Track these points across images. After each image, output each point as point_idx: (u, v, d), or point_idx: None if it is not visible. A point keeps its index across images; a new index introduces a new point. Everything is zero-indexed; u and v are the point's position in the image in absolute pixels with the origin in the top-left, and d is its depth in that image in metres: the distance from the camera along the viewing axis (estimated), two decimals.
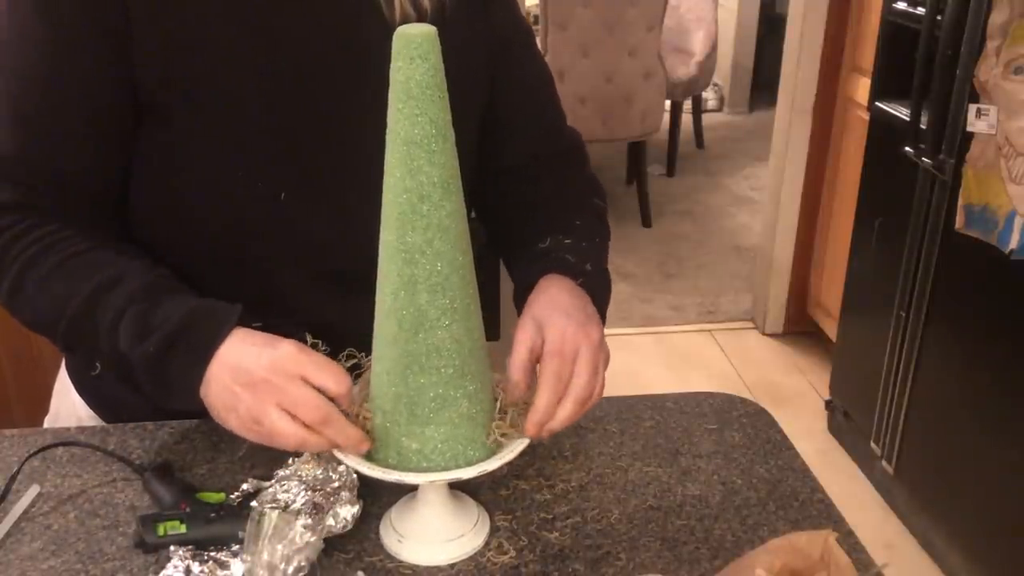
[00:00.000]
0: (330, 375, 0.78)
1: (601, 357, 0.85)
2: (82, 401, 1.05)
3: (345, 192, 0.94)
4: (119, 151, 0.91)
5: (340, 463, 0.85)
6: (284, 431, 0.78)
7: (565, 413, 0.81)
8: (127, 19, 0.84)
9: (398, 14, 0.91)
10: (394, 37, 0.72)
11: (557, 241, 0.98)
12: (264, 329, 0.84)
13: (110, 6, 0.83)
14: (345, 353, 0.85)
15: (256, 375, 0.78)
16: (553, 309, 0.87)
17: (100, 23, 0.84)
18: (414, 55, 0.72)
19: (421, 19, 0.92)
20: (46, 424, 1.11)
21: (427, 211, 0.74)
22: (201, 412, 0.83)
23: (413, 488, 0.86)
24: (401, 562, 0.82)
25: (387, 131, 0.74)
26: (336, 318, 0.90)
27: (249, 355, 0.80)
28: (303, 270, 0.96)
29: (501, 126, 1.05)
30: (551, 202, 1.04)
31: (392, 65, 0.73)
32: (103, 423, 1.04)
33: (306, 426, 0.78)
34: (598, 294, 0.95)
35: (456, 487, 0.87)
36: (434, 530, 0.84)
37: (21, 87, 0.86)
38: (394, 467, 0.79)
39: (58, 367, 1.10)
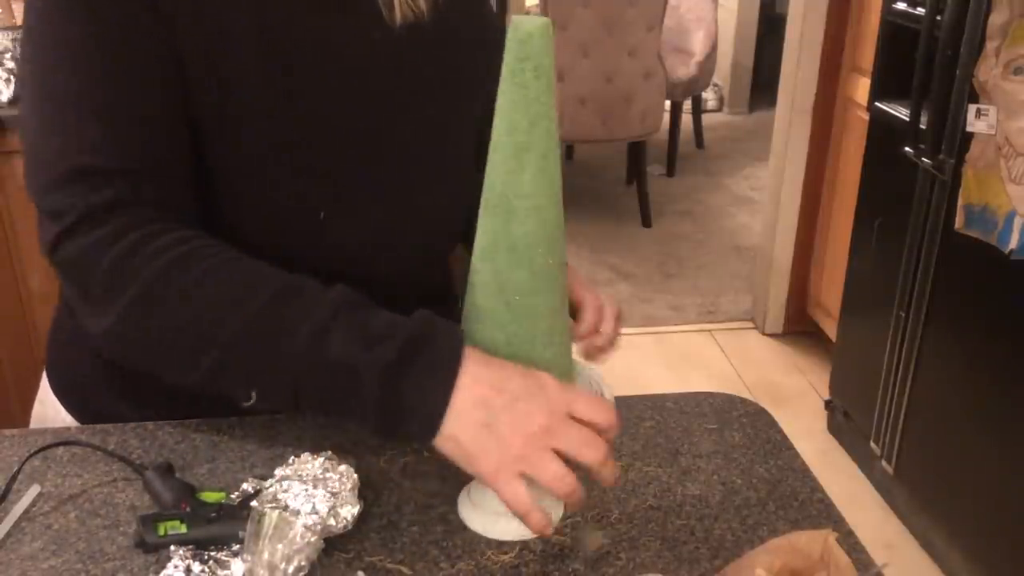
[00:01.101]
0: (599, 408, 0.73)
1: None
2: (68, 416, 1.04)
3: (381, 202, 0.94)
4: (186, 150, 0.85)
5: (341, 463, 0.85)
6: (559, 474, 0.70)
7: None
8: (175, 29, 0.81)
9: (399, 16, 0.91)
10: (526, 29, 0.73)
11: None
12: None
13: (159, 14, 0.80)
14: None
15: (535, 420, 0.71)
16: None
17: (154, 25, 0.80)
18: (551, 45, 0.75)
19: (418, 19, 0.92)
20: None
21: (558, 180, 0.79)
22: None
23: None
24: (400, 562, 0.82)
25: (535, 118, 0.75)
26: None
27: (514, 389, 0.72)
28: (343, 280, 0.94)
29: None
30: None
31: (525, 52, 0.74)
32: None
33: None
34: None
35: None
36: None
37: (86, 82, 0.79)
38: None
39: None
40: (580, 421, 0.72)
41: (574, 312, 0.99)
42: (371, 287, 0.90)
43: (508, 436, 0.71)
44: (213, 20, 0.83)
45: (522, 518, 0.72)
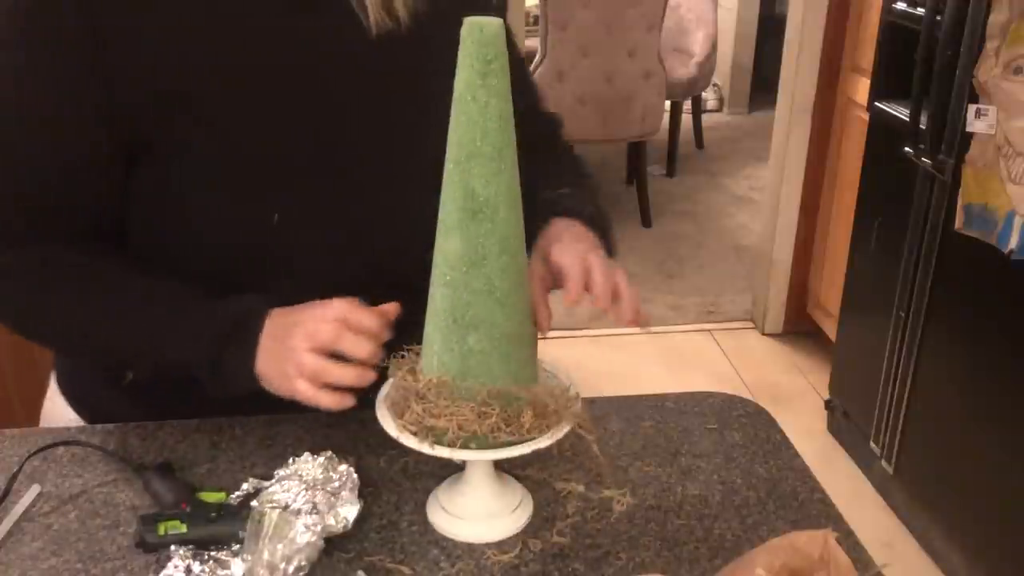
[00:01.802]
0: (363, 316, 0.84)
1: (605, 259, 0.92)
2: (75, 415, 1.05)
3: (338, 205, 0.93)
4: (107, 185, 0.90)
5: (341, 463, 0.86)
6: (309, 364, 0.82)
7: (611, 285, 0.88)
8: (103, 53, 0.83)
9: (374, 23, 0.90)
10: (491, 31, 0.75)
11: (556, 193, 1.02)
12: None
13: (81, 43, 0.83)
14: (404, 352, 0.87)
15: (296, 333, 0.83)
16: (555, 239, 0.93)
17: (71, 60, 0.84)
18: (502, 43, 0.76)
19: (396, 24, 0.92)
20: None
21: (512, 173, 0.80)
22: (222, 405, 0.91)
23: (459, 469, 0.89)
24: (400, 562, 0.82)
25: (486, 112, 0.76)
26: None
27: (287, 321, 0.85)
28: (297, 285, 0.93)
29: None
30: (540, 174, 1.04)
31: (493, 53, 0.75)
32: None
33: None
34: (604, 232, 0.99)
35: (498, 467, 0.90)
36: (489, 507, 0.86)
37: (2, 129, 0.87)
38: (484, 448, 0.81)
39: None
40: (357, 328, 0.84)
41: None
42: (337, 285, 0.90)
43: (281, 355, 0.84)
44: (167, 31, 0.85)
45: (316, 404, 0.83)
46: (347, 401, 0.84)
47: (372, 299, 0.86)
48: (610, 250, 0.97)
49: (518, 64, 1.10)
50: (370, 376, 0.84)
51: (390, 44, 0.92)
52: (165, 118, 0.86)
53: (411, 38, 0.93)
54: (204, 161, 0.88)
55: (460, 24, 0.98)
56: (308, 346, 0.83)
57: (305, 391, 0.83)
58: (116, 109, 0.85)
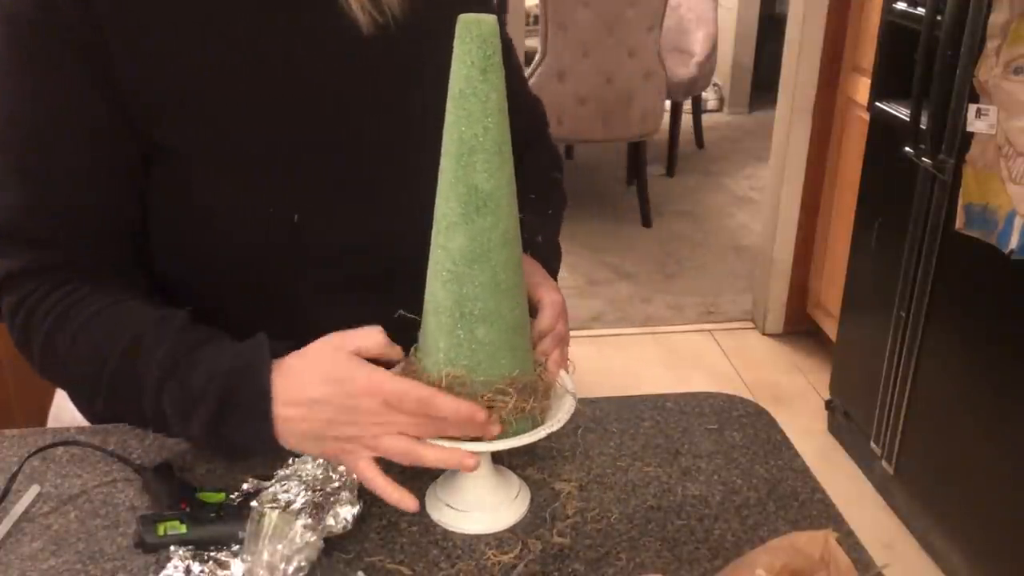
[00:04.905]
0: (373, 343, 0.80)
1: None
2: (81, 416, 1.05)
3: (356, 201, 0.94)
4: (127, 191, 0.90)
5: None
6: (397, 448, 0.79)
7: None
8: (111, 61, 0.84)
9: (363, 22, 0.91)
10: (487, 27, 0.75)
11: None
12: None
13: (90, 50, 0.83)
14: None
15: (335, 403, 0.79)
16: None
17: (83, 66, 0.84)
18: (498, 38, 0.77)
19: (387, 21, 0.92)
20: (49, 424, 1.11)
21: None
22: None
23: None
24: (400, 562, 0.82)
25: (487, 107, 0.76)
26: (353, 320, 0.90)
27: (310, 382, 0.80)
28: (319, 282, 0.95)
29: None
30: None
31: (491, 48, 0.75)
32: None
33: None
34: (548, 263, 1.01)
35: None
36: (489, 497, 0.87)
37: (16, 136, 0.86)
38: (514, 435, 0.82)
39: None
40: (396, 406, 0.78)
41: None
42: (364, 282, 0.91)
43: (328, 419, 0.80)
44: (168, 37, 0.85)
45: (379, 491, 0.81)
46: (408, 503, 0.80)
47: (391, 297, 0.86)
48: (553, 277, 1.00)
49: (514, 60, 1.11)
50: (470, 463, 0.79)
51: (385, 41, 0.92)
52: (173, 122, 0.87)
53: (408, 33, 0.93)
54: (215, 162, 0.88)
55: (455, 19, 0.98)
56: (384, 432, 0.79)
57: (379, 479, 0.80)
58: (126, 117, 0.86)
